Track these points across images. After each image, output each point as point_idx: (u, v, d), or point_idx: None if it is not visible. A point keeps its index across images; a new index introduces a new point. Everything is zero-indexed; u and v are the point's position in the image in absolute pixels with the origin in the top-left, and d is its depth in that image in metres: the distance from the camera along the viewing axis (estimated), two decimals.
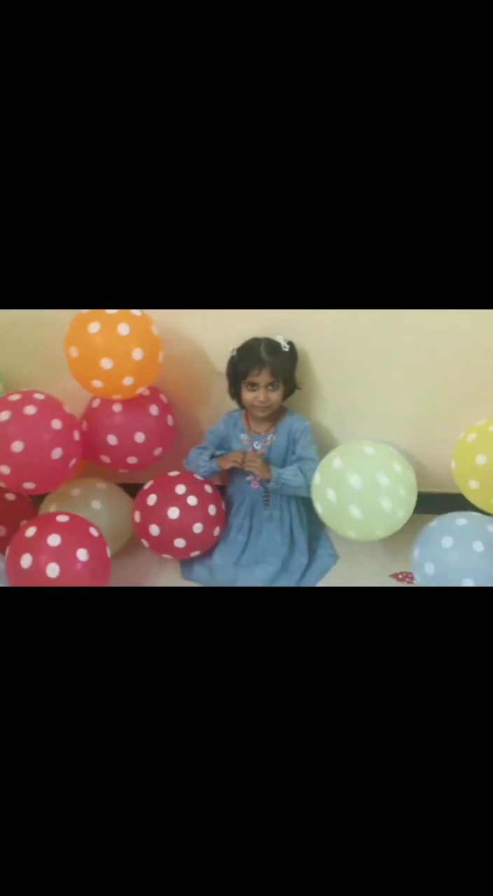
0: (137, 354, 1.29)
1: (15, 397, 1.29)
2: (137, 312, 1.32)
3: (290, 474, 1.44)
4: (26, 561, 1.22)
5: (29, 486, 1.30)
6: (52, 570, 1.21)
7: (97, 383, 1.32)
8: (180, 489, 1.42)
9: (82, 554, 1.24)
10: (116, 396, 1.37)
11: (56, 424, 1.29)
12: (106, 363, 1.27)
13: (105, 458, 1.47)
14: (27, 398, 1.29)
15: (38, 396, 1.31)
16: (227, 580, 1.48)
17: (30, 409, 1.26)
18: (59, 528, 1.27)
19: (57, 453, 1.28)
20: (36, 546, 1.23)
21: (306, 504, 1.55)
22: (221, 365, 1.48)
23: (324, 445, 1.62)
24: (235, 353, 1.45)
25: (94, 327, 1.27)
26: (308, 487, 1.44)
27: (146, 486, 1.47)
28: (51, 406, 1.31)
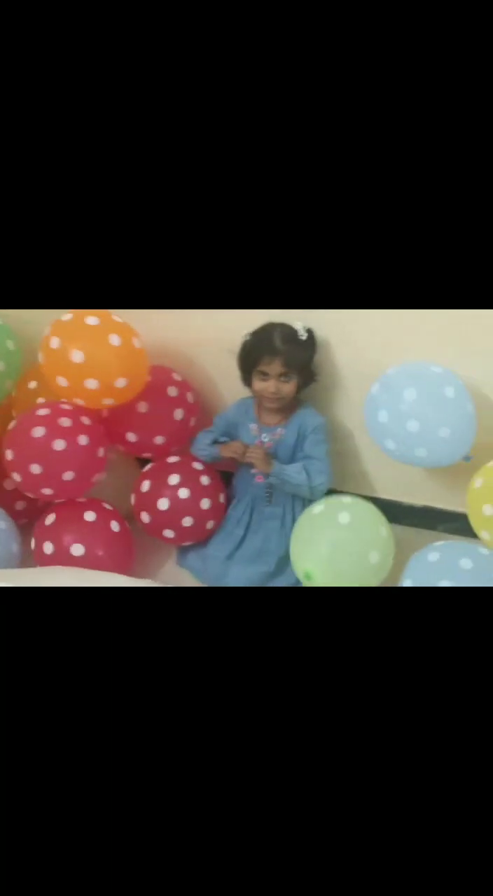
0: (115, 340, 1.25)
1: (66, 422, 1.31)
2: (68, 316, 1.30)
3: (292, 470, 1.34)
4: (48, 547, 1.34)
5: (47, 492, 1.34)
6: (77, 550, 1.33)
7: (108, 401, 1.32)
8: (173, 479, 1.36)
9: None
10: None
11: (100, 453, 1.35)
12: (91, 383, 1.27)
13: (120, 448, 1.45)
14: (78, 426, 1.32)
15: (85, 421, 1.33)
16: (217, 573, 1.43)
17: (83, 440, 1.31)
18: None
19: (97, 478, 1.37)
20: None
21: None
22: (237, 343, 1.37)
23: (345, 444, 1.50)
24: (248, 337, 1.34)
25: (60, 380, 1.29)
26: (310, 488, 1.34)
27: (145, 469, 1.43)
28: (99, 434, 1.36)
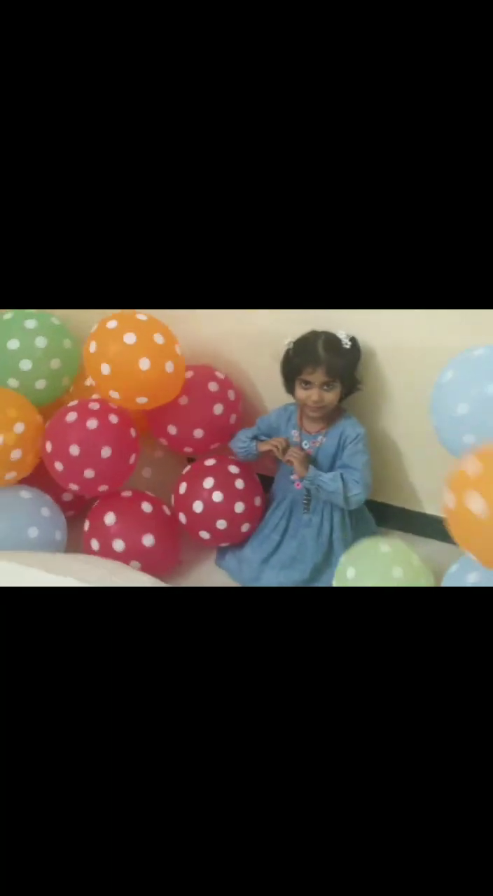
0: (144, 364, 1.28)
1: (95, 405, 1.36)
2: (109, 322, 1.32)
3: (327, 477, 1.32)
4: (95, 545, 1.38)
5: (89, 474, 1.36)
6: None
7: (142, 399, 1.36)
8: (208, 483, 1.38)
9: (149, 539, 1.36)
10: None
11: (133, 433, 1.39)
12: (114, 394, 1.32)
13: (163, 441, 1.49)
14: (107, 408, 1.36)
15: (113, 405, 1.37)
16: (252, 576, 1.44)
17: (113, 419, 1.35)
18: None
19: (133, 459, 1.40)
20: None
21: (353, 517, 1.43)
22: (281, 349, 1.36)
23: (387, 456, 1.45)
24: (290, 345, 1.33)
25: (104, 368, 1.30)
26: (345, 498, 1.31)
27: (184, 471, 1.46)
28: (128, 416, 1.40)
